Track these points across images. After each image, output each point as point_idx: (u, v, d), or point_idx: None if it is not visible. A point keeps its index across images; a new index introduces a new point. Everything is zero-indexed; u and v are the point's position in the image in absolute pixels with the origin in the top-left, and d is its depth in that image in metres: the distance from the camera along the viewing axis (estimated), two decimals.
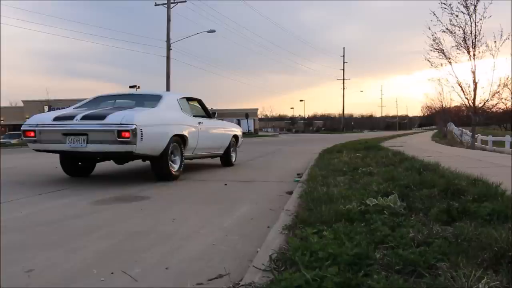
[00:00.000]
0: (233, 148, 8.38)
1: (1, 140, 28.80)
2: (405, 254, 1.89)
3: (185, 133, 6.13)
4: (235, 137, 8.45)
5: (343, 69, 69.69)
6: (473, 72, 15.68)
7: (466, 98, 16.30)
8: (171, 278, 2.08)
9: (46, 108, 51.04)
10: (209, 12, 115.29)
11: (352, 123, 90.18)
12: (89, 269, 2.19)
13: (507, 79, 15.86)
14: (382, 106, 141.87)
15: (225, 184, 5.51)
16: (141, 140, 5.05)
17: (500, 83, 15.87)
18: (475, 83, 15.79)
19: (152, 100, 6.32)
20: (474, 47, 15.45)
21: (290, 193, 4.41)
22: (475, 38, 15.39)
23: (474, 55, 15.52)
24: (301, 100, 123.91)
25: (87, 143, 5.15)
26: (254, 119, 56.24)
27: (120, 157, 5.99)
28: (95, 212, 3.76)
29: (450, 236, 2.19)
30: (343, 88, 69.60)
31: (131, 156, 5.52)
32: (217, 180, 6.04)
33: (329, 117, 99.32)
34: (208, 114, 7.56)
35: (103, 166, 6.98)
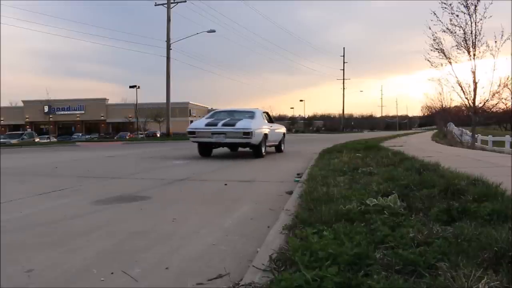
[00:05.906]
0: (283, 141, 13.06)
1: (1, 140, 28.78)
2: (405, 254, 1.89)
3: (267, 132, 10.79)
4: (284, 134, 13.47)
5: (343, 69, 69.85)
6: (473, 72, 15.62)
7: (466, 98, 16.23)
8: (171, 278, 2.09)
9: (46, 108, 51.14)
10: (209, 12, 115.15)
11: (352, 123, 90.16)
12: (89, 269, 2.19)
13: (507, 79, 15.78)
14: (382, 106, 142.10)
15: (225, 184, 5.51)
16: (254, 136, 9.80)
17: (500, 83, 15.78)
18: (475, 83, 15.73)
19: (249, 113, 11.11)
20: (475, 47, 15.38)
21: (290, 193, 4.41)
22: (476, 38, 15.31)
23: (474, 55, 15.46)
24: (301, 100, 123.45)
25: (225, 138, 9.84)
26: None
27: (238, 145, 10.60)
28: (95, 212, 3.76)
29: (450, 236, 2.19)
30: (343, 88, 69.79)
31: (245, 145, 10.25)
32: (217, 180, 6.04)
33: (329, 117, 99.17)
34: (271, 120, 12.43)
35: (101, 166, 6.96)
